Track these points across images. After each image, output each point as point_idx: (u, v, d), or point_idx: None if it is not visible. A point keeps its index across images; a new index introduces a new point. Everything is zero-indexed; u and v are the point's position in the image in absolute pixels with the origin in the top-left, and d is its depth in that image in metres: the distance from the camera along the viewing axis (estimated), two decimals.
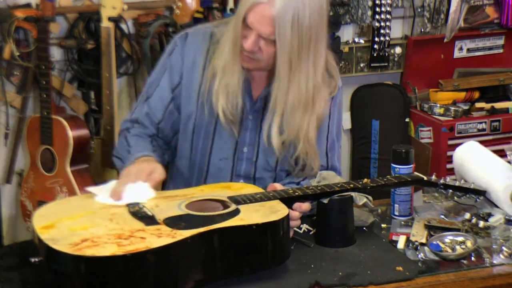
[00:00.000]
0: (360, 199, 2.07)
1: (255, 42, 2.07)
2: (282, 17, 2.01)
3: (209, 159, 2.26)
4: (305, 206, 2.00)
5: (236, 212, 1.86)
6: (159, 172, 2.04)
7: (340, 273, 1.86)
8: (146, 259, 1.65)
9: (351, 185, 2.05)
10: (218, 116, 2.19)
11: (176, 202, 1.92)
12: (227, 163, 2.25)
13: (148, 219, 1.81)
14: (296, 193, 2.00)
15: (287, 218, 1.86)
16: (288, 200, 1.97)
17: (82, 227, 1.76)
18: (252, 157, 2.26)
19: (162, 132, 2.30)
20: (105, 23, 3.42)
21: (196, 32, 2.28)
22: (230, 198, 1.95)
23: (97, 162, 3.61)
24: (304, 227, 2.10)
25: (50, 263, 1.69)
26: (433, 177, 2.17)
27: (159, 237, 1.71)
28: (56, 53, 3.60)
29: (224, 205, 1.93)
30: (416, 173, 2.19)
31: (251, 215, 1.84)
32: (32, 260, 1.72)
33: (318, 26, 2.08)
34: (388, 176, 2.16)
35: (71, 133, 3.43)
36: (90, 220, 1.81)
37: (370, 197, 2.11)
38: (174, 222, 1.80)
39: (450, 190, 2.14)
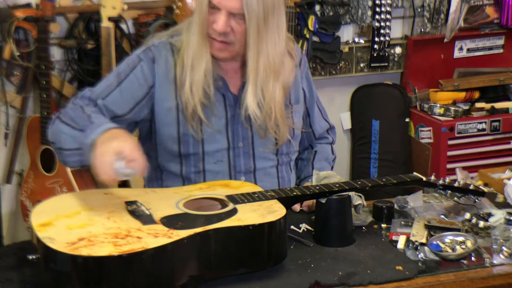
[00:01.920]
0: (356, 199, 2.07)
1: (226, 22, 2.09)
2: None
3: (203, 165, 2.23)
4: None
5: (233, 212, 1.86)
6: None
7: (340, 273, 1.85)
8: (142, 259, 1.65)
9: (350, 185, 2.05)
10: (201, 120, 2.18)
11: (174, 200, 1.92)
12: (222, 165, 2.24)
13: (145, 218, 1.80)
14: (294, 193, 2.00)
15: (284, 218, 1.86)
16: (286, 200, 1.97)
17: (79, 225, 1.76)
18: (248, 150, 2.26)
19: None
20: (105, 23, 3.42)
21: (157, 47, 2.23)
22: (228, 197, 1.95)
23: None
24: (304, 226, 2.10)
25: (47, 262, 1.69)
26: (432, 178, 2.17)
27: (156, 237, 1.70)
28: (56, 53, 3.60)
29: (222, 204, 1.92)
30: (415, 173, 2.19)
31: (248, 215, 1.84)
32: (30, 257, 1.72)
33: None
34: (387, 176, 2.17)
35: None
36: (88, 218, 1.80)
37: (364, 203, 2.12)
38: (171, 221, 1.80)
39: (449, 191, 2.14)
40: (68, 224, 1.76)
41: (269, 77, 2.17)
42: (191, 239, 1.72)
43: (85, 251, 1.63)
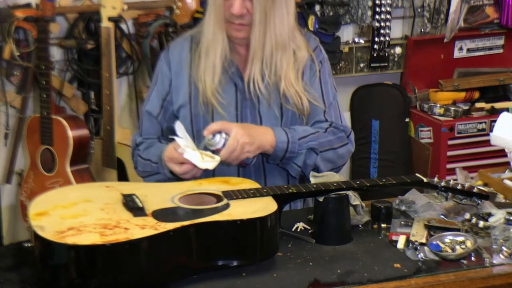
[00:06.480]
0: (355, 199, 2.07)
1: (242, 4, 2.15)
2: None
3: None
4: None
5: (225, 207, 1.87)
6: None
7: (339, 271, 1.86)
8: (125, 250, 1.67)
9: (347, 184, 2.05)
10: (212, 103, 2.24)
11: (170, 195, 1.94)
12: None
13: (137, 210, 1.83)
14: (290, 190, 2.00)
15: (274, 214, 1.86)
16: (282, 197, 1.97)
17: (72, 216, 1.78)
18: None
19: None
20: (105, 23, 3.43)
21: (176, 41, 2.37)
22: (224, 192, 1.96)
23: (97, 162, 3.61)
24: (301, 225, 2.10)
25: (37, 250, 1.73)
26: (436, 179, 2.12)
27: (143, 229, 1.73)
28: (56, 53, 3.61)
29: (218, 199, 1.94)
30: (417, 174, 2.17)
31: (239, 210, 1.85)
32: (26, 245, 1.75)
33: None
34: (388, 177, 2.16)
35: (71, 133, 3.44)
36: (83, 209, 1.83)
37: (363, 204, 2.11)
38: (162, 214, 1.82)
39: (450, 193, 2.12)
40: (62, 214, 1.79)
41: (277, 52, 2.22)
42: (178, 231, 1.74)
43: (70, 240, 1.66)
